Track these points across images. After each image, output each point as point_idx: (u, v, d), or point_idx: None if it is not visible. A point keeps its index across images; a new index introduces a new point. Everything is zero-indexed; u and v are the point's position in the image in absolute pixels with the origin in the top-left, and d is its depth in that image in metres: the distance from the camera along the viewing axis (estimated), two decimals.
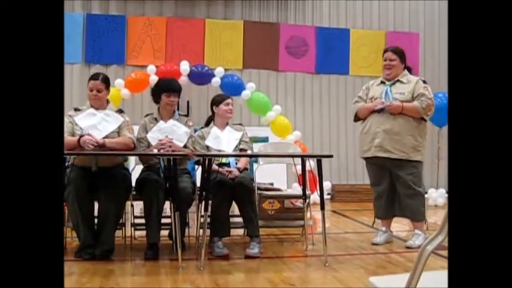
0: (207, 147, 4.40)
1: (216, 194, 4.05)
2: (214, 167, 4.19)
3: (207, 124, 4.67)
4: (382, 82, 4.61)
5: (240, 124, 4.82)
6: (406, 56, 4.64)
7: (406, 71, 4.58)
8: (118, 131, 4.15)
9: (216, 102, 4.60)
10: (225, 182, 4.14)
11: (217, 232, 4.06)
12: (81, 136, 3.93)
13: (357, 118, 4.74)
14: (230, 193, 4.14)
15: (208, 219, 3.94)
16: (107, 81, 4.22)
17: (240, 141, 4.52)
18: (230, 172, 4.27)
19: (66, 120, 4.10)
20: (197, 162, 4.49)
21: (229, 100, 4.60)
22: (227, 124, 4.59)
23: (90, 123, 4.05)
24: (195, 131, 4.55)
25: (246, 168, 4.48)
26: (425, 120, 4.49)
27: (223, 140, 4.42)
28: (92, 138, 3.90)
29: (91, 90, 4.16)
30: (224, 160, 4.45)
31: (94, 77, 4.23)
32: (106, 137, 4.03)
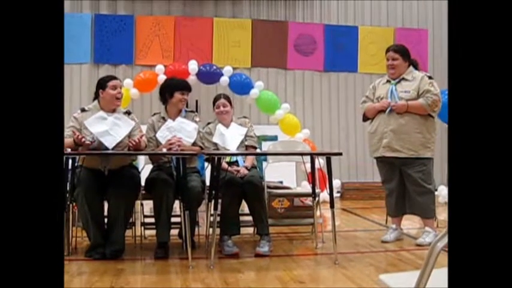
0: (215, 144, 4.40)
1: (225, 192, 4.05)
2: (224, 165, 4.19)
3: None
4: (388, 81, 4.59)
5: (245, 117, 4.76)
6: (409, 52, 4.59)
7: (411, 68, 4.54)
8: (129, 135, 4.11)
9: (213, 104, 4.62)
10: (234, 180, 4.14)
11: (227, 231, 4.06)
12: (77, 136, 3.85)
13: (365, 118, 4.73)
14: (239, 192, 4.13)
15: (218, 218, 3.94)
16: None
17: (246, 136, 4.50)
18: (238, 171, 4.27)
19: (70, 122, 4.07)
20: (207, 159, 4.49)
21: (219, 102, 4.53)
22: (231, 121, 4.57)
23: (102, 129, 3.97)
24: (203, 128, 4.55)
25: (254, 166, 4.48)
26: (432, 117, 4.47)
27: (227, 137, 4.40)
28: (86, 142, 3.86)
29: (114, 89, 4.12)
30: (232, 158, 4.45)
31: (112, 77, 4.26)
32: (119, 142, 4.01)
